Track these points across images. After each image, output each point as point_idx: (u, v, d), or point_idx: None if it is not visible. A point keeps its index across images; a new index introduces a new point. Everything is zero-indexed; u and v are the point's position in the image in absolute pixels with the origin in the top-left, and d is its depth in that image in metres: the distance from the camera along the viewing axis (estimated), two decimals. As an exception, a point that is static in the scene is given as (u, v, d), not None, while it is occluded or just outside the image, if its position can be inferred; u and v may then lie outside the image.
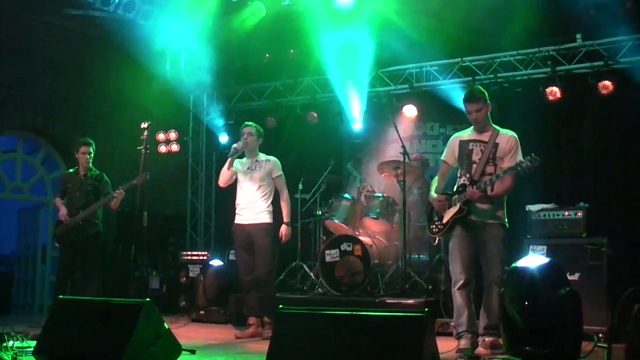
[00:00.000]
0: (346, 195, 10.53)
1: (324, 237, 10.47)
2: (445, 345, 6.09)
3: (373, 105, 11.87)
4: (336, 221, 10.25)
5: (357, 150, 12.24)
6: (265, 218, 8.48)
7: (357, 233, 10.00)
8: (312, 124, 12.27)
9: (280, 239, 8.62)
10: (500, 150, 6.71)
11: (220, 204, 13.26)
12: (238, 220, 8.60)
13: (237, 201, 8.65)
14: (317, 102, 12.33)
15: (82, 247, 8.91)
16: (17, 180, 12.18)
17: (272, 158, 8.75)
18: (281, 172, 8.72)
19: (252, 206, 8.50)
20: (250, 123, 8.75)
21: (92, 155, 9.10)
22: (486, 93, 6.91)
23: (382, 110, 11.71)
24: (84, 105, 12.09)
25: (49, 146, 12.30)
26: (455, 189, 6.91)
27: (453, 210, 6.80)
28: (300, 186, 10.72)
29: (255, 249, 8.45)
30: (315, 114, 12.20)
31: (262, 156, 8.74)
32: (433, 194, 7.04)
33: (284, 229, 8.58)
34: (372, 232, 10.26)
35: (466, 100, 6.86)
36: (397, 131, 9.80)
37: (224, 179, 8.66)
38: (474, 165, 6.76)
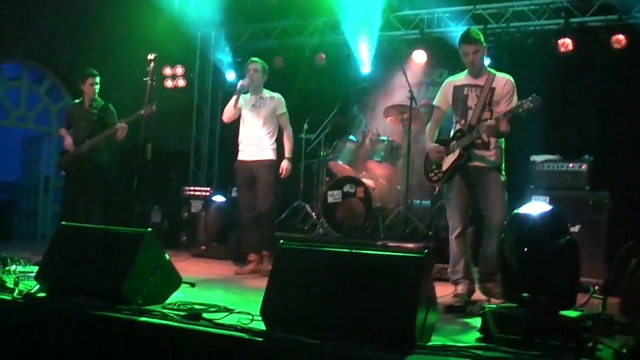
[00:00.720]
0: (351, 137, 10.52)
1: (327, 178, 10.52)
2: (442, 290, 6.12)
3: (383, 50, 11.79)
4: (340, 162, 10.26)
5: (364, 94, 12.16)
6: (270, 155, 8.44)
7: (360, 175, 10.01)
8: (320, 66, 12.22)
9: (280, 175, 8.57)
10: (496, 95, 6.53)
11: (224, 142, 13.35)
12: (241, 156, 8.55)
13: (240, 138, 8.58)
14: (326, 44, 12.28)
15: (86, 176, 8.91)
16: (21, 108, 12.14)
17: (276, 95, 8.64)
18: (285, 110, 8.63)
19: (256, 143, 8.43)
20: (255, 59, 8.62)
21: (98, 86, 9.04)
22: (482, 35, 6.73)
23: (392, 55, 11.67)
24: (90, 36, 11.95)
25: (54, 76, 12.26)
26: (451, 135, 6.78)
27: (452, 157, 6.66)
28: (306, 126, 10.76)
29: (257, 186, 8.40)
30: (324, 56, 12.16)
31: (267, 93, 8.62)
32: (429, 143, 6.89)
33: (285, 163, 8.53)
34: (376, 175, 10.26)
35: (463, 41, 6.66)
36: (406, 76, 9.72)
37: (228, 115, 8.59)
38: (470, 111, 6.60)
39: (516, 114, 6.32)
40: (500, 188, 6.56)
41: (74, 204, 9.03)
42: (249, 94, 8.61)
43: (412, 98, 9.45)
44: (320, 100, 11.59)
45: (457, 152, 6.63)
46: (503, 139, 6.64)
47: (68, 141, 8.98)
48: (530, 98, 6.23)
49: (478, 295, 6.65)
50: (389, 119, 10.52)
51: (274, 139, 8.52)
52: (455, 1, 11.18)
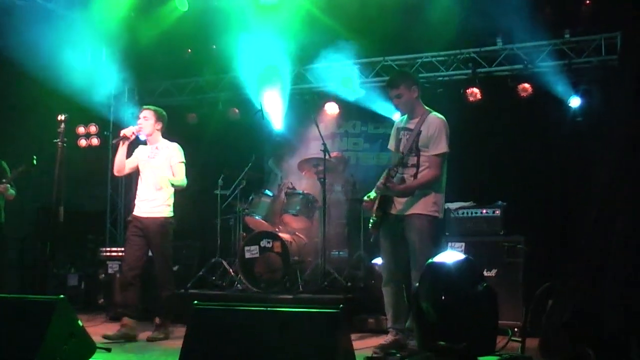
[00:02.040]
0: (267, 191, 10.46)
1: (244, 234, 10.42)
2: (364, 343, 6.08)
3: (295, 103, 11.83)
4: (256, 217, 10.17)
5: (278, 147, 12.10)
6: (164, 212, 7.90)
7: (277, 230, 9.94)
8: (233, 120, 12.22)
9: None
10: (422, 138, 6.45)
11: None
12: (135, 211, 7.99)
13: (137, 192, 8.06)
14: (239, 99, 12.18)
15: None
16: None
17: (172, 144, 8.11)
18: (181, 159, 8.05)
19: (151, 197, 7.90)
20: (148, 106, 8.17)
21: None
22: (411, 77, 6.75)
23: (304, 107, 11.71)
24: (2, 94, 11.71)
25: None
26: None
27: (375, 205, 6.63)
28: (221, 182, 10.62)
29: (151, 246, 7.88)
30: (237, 110, 12.18)
31: (164, 143, 8.09)
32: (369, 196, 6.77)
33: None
34: (292, 229, 10.22)
35: (386, 85, 6.73)
36: (318, 128, 9.74)
37: (117, 166, 8.04)
38: (404, 158, 6.52)
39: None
40: (418, 235, 6.41)
41: None
42: (147, 145, 8.20)
43: (325, 150, 9.46)
44: (235, 155, 11.50)
45: (376, 202, 6.59)
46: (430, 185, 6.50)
47: None
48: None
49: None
50: (303, 172, 10.49)
51: (169, 193, 7.98)
52: (366, 53, 11.27)
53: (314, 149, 10.60)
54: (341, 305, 4.41)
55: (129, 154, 8.15)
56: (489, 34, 10.56)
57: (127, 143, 7.93)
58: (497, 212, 8.51)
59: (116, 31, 11.44)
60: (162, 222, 7.88)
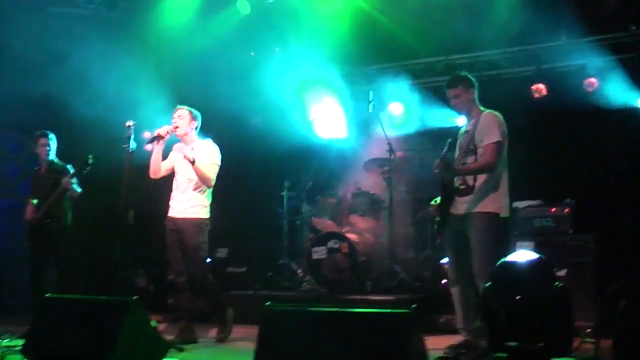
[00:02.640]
0: (332, 192, 10.51)
1: (311, 235, 10.45)
2: (433, 342, 6.05)
3: (359, 103, 11.74)
4: (323, 218, 10.24)
5: (344, 148, 12.13)
6: (198, 213, 7.69)
7: (344, 230, 9.93)
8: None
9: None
10: (477, 136, 6.48)
11: None
12: (170, 213, 7.82)
13: (172, 193, 7.88)
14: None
15: (48, 243, 8.83)
16: (2, 179, 12.06)
17: (210, 144, 7.84)
18: (214, 160, 7.74)
19: (184, 199, 7.71)
20: (182, 105, 7.89)
21: (51, 147, 8.98)
22: (469, 78, 6.74)
23: (368, 108, 11.62)
24: (70, 102, 11.91)
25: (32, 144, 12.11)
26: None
27: (440, 208, 6.66)
28: (287, 184, 10.69)
29: (185, 247, 7.68)
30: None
31: (200, 143, 7.82)
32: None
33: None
34: (359, 229, 10.18)
35: (446, 86, 6.73)
36: (383, 129, 9.79)
37: (152, 168, 7.83)
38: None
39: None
40: (478, 233, 6.39)
41: (40, 274, 8.95)
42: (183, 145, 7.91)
43: (390, 150, 9.46)
44: (301, 156, 11.53)
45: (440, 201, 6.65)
46: (491, 182, 6.49)
47: (27, 211, 8.96)
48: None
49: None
50: (369, 172, 10.50)
51: (204, 194, 7.77)
52: (428, 52, 11.25)
53: (378, 150, 10.57)
54: (413, 306, 4.40)
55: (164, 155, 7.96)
56: (552, 30, 10.42)
57: (162, 143, 7.68)
58: (566, 210, 8.41)
59: (178, 35, 11.60)
60: (196, 223, 7.68)
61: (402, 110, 11.52)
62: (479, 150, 6.46)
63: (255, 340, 4.74)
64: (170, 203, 7.82)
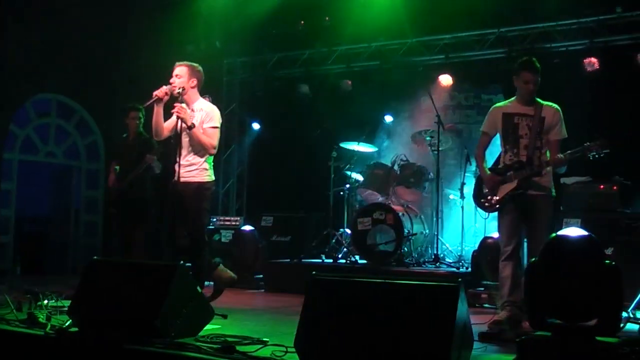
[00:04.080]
0: (380, 163, 10.48)
1: (357, 206, 10.47)
2: (477, 317, 6.05)
3: (408, 74, 11.81)
4: (369, 189, 10.23)
5: (391, 119, 12.14)
6: (199, 176, 7.24)
7: (389, 202, 9.92)
8: (346, 92, 12.27)
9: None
10: (547, 124, 6.59)
11: (252, 169, 13.53)
12: (175, 177, 7.20)
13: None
14: (352, 71, 12.37)
15: (128, 212, 8.97)
16: (50, 144, 12.20)
17: (209, 106, 7.30)
18: (214, 124, 7.22)
19: (185, 162, 7.19)
20: (181, 62, 7.31)
21: (142, 120, 9.06)
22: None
23: (417, 79, 11.70)
24: (120, 70, 12.00)
25: (83, 111, 12.34)
26: (502, 162, 6.79)
27: (509, 186, 6.65)
28: (334, 154, 10.69)
29: (186, 212, 7.22)
30: (350, 82, 12.24)
31: (200, 104, 7.29)
32: (484, 171, 6.87)
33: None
34: (405, 201, 10.16)
35: (526, 69, 6.62)
36: (432, 100, 9.77)
37: (153, 130, 7.30)
38: (521, 140, 6.63)
39: (580, 156, 6.42)
40: (546, 214, 6.61)
41: (121, 239, 9.08)
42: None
43: (439, 122, 9.43)
44: (348, 126, 11.50)
45: (514, 182, 6.62)
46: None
47: (110, 179, 9.15)
48: (598, 142, 6.37)
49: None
50: (416, 144, 10.50)
51: (204, 157, 7.25)
52: (479, 24, 11.16)
53: (426, 121, 10.57)
54: (459, 279, 4.40)
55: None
56: (608, 2, 10.28)
57: (161, 105, 7.09)
58: (615, 187, 8.31)
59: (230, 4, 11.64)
60: (196, 186, 7.22)
61: (451, 81, 11.46)
62: (545, 140, 6.62)
63: (300, 309, 4.77)
64: (175, 167, 7.23)
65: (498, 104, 6.96)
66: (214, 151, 7.28)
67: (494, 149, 6.95)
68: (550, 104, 6.70)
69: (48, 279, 10.03)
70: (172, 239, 7.40)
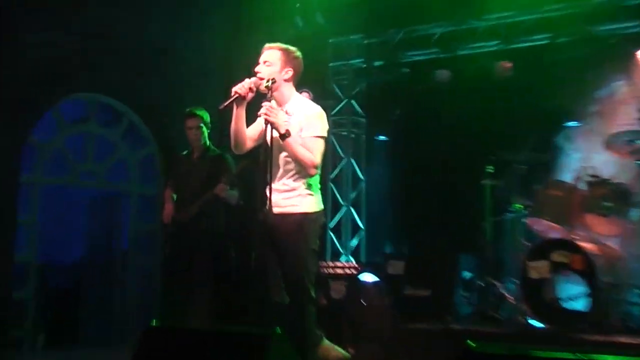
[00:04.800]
0: (558, 180, 10.21)
1: (526, 242, 10.06)
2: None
3: (593, 51, 11.42)
4: (543, 218, 9.86)
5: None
6: (300, 204, 6.98)
7: (575, 237, 9.50)
8: (504, 79, 12.03)
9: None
10: None
11: (372, 194, 13.64)
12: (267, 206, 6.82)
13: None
14: (508, 50, 12.28)
15: (191, 251, 8.96)
16: (89, 161, 12.06)
17: (308, 104, 7.05)
18: (319, 133, 6.92)
19: (281, 185, 7.00)
20: (275, 43, 7.04)
21: (204, 129, 9.04)
22: None
23: (608, 56, 11.31)
24: (184, 58, 11.93)
25: (133, 115, 12.25)
26: None
27: None
28: (491, 168, 10.42)
29: (283, 251, 6.96)
30: (509, 64, 12.01)
31: (297, 103, 7.03)
32: None
33: None
34: (600, 236, 9.73)
35: None
36: (633, 87, 9.42)
37: (233, 140, 7.07)
38: None
39: None
40: None
41: (176, 291, 9.15)
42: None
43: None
44: (507, 128, 11.40)
45: None
46: None
47: (166, 209, 9.13)
48: None
49: None
50: (612, 151, 10.07)
51: (307, 178, 7.01)
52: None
53: (626, 117, 10.27)
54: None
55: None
56: None
57: (243, 105, 6.90)
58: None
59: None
60: (300, 219, 6.99)
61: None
62: None
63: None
64: (266, 192, 6.87)
65: None
66: (316, 171, 6.96)
67: None
68: None
69: (83, 355, 9.92)
70: (262, 294, 7.20)
